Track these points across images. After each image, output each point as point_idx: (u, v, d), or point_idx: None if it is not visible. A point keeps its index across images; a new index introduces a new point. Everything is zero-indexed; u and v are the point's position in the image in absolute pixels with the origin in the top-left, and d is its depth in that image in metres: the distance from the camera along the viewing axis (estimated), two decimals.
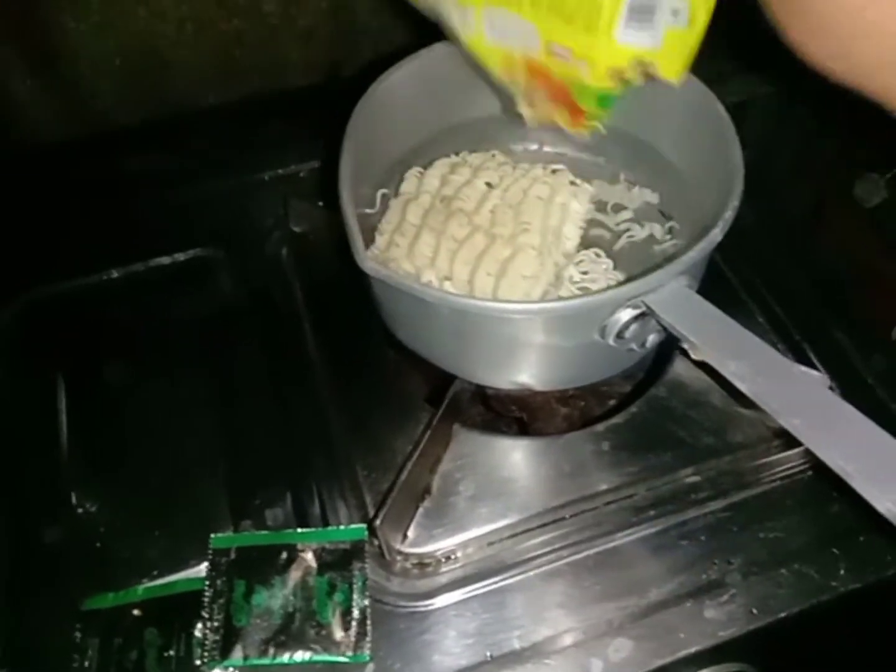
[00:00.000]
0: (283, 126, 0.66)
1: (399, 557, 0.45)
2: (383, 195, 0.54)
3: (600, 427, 0.49)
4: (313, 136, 0.61)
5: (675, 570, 0.44)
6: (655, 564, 0.45)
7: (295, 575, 0.43)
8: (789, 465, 0.48)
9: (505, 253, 0.48)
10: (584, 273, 0.50)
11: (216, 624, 0.42)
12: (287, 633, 0.42)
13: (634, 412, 0.50)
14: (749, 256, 0.59)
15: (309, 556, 0.44)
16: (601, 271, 0.50)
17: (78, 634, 0.43)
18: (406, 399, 0.52)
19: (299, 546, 0.44)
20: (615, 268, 0.50)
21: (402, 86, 0.51)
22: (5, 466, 0.50)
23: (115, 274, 0.59)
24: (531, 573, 0.45)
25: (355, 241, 0.41)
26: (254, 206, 0.63)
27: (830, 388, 0.49)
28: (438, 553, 0.45)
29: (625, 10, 0.36)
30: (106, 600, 0.44)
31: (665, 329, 0.41)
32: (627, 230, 0.53)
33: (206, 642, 0.42)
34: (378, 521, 0.43)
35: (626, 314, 0.40)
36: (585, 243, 0.52)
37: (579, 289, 0.49)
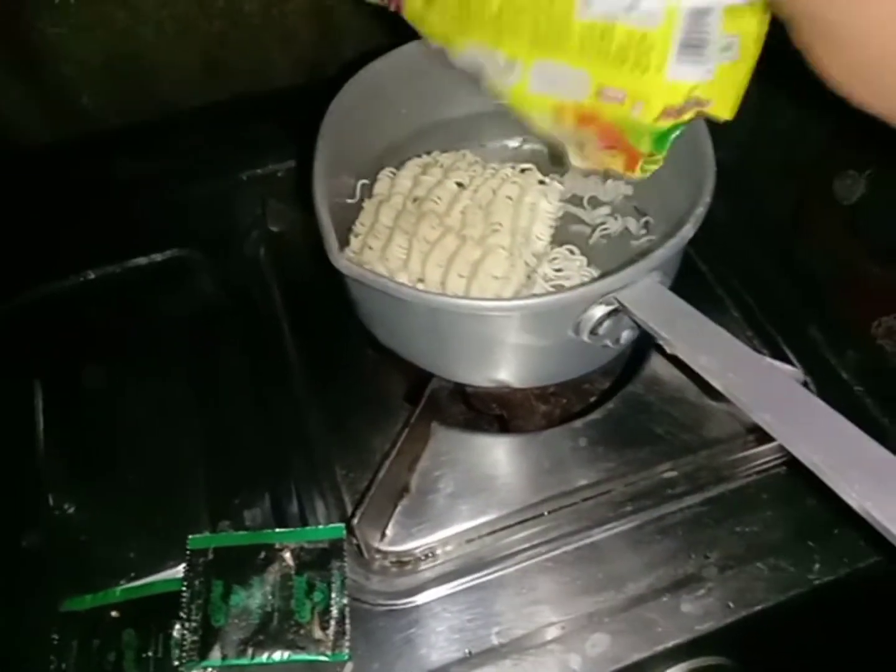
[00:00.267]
0: (260, 126, 0.66)
1: (378, 556, 0.45)
2: (363, 185, 0.54)
3: (578, 423, 0.49)
4: (291, 137, 0.61)
5: (653, 564, 0.45)
6: (633, 559, 0.45)
7: (273, 575, 0.43)
8: (765, 460, 0.48)
9: (475, 254, 0.48)
10: (558, 270, 0.50)
11: (194, 624, 0.42)
12: (265, 633, 0.41)
13: (612, 409, 0.50)
14: (726, 252, 0.59)
15: (287, 556, 0.44)
16: (575, 268, 0.50)
17: (56, 636, 0.43)
18: (385, 398, 0.52)
19: (277, 546, 0.44)
20: (589, 264, 0.51)
21: (378, 83, 0.51)
22: None
23: (91, 275, 0.59)
24: (510, 570, 0.45)
25: (329, 240, 0.41)
26: (232, 207, 0.63)
27: (805, 382, 0.50)
28: (417, 551, 0.45)
29: (676, 46, 0.36)
30: (84, 602, 0.44)
31: (638, 325, 0.41)
32: (602, 223, 0.53)
33: (185, 643, 0.41)
34: (356, 520, 0.43)
35: (599, 311, 0.40)
36: (563, 239, 0.52)
37: (553, 286, 0.49)
